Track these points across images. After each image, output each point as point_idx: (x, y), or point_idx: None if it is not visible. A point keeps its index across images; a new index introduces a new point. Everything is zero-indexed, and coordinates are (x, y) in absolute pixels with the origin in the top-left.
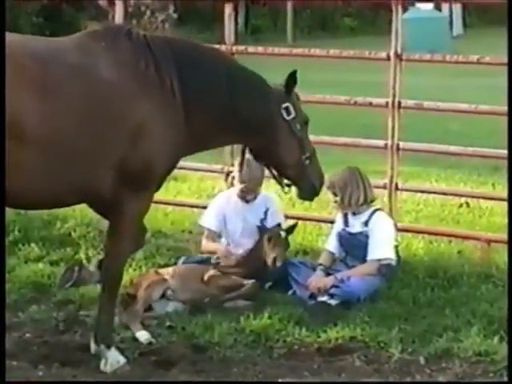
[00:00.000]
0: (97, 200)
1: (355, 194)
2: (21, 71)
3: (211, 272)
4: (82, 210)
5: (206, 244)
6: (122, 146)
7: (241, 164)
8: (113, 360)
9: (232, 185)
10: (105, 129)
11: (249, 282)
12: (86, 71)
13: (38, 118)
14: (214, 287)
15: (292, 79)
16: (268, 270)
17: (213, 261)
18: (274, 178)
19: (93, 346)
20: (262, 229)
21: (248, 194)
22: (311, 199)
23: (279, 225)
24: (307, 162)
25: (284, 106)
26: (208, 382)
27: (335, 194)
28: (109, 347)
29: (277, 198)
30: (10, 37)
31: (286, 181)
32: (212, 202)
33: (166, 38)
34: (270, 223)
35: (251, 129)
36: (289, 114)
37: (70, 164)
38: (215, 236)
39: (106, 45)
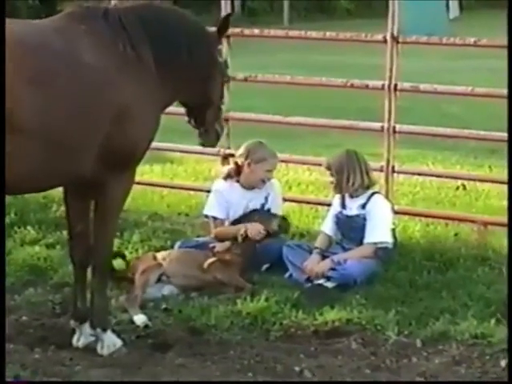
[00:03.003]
0: (81, 183)
1: (351, 178)
2: (13, 60)
3: (211, 260)
4: None
5: (220, 229)
6: (107, 130)
7: None
8: (109, 342)
9: (238, 170)
10: (91, 114)
11: (246, 286)
12: (73, 57)
13: (33, 107)
14: (210, 276)
15: (225, 23)
16: (262, 252)
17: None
18: (194, 121)
19: (87, 329)
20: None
21: (270, 173)
22: (215, 145)
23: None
24: (222, 106)
25: (218, 48)
26: (210, 383)
27: (332, 175)
28: (105, 330)
29: (277, 183)
30: None
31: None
32: (213, 189)
33: (135, 10)
34: (269, 207)
35: (202, 76)
36: (221, 56)
37: (60, 150)
38: (222, 224)
39: (86, 28)
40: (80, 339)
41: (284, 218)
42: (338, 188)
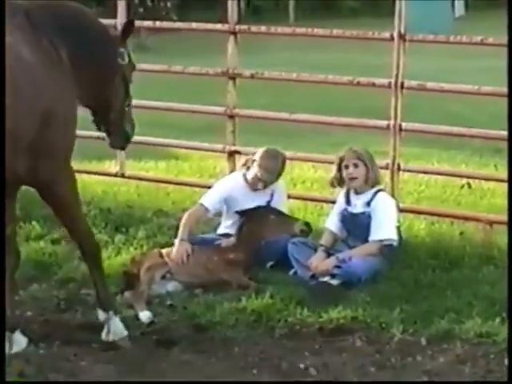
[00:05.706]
0: (17, 181)
1: (375, 169)
2: None
3: (215, 260)
4: (83, 189)
5: (187, 218)
6: (37, 128)
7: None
8: (116, 329)
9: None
10: (29, 109)
11: (250, 285)
12: (16, 50)
13: None
14: (215, 276)
15: (129, 26)
16: (267, 249)
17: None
18: (98, 123)
19: (101, 314)
20: (261, 208)
21: (260, 183)
22: (123, 147)
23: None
24: (127, 108)
25: (120, 51)
26: (206, 382)
27: (339, 169)
28: (116, 313)
29: (283, 183)
30: None
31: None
32: (218, 183)
33: (49, 8)
34: (274, 205)
35: (104, 76)
36: (123, 59)
37: (9, 142)
38: (204, 214)
39: (17, 22)
40: (12, 348)
41: (307, 223)
42: (365, 178)
